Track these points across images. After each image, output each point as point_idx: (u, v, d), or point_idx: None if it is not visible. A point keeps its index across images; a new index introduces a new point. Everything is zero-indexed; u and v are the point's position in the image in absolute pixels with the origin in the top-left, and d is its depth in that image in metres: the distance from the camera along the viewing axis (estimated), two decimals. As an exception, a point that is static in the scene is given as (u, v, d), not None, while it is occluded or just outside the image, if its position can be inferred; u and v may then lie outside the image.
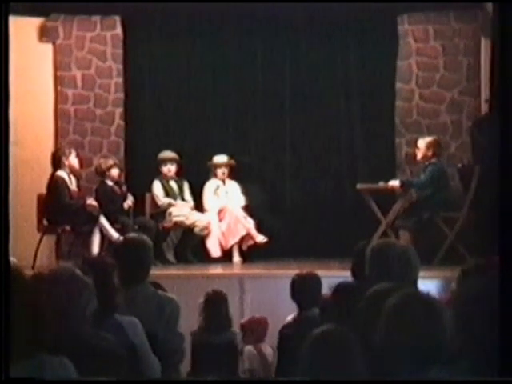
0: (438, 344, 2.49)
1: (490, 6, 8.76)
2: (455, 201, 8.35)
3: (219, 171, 9.03)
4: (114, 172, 8.74)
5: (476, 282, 2.37)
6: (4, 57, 3.80)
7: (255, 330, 5.83)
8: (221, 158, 9.06)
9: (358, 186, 8.64)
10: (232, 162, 9.08)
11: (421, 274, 4.08)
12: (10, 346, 2.62)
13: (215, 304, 5.30)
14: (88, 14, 9.20)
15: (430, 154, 8.42)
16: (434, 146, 8.46)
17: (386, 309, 2.66)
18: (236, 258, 8.77)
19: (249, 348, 5.74)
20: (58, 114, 9.23)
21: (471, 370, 2.22)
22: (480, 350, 2.22)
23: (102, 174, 8.75)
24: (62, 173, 8.40)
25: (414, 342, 2.55)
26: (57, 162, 8.44)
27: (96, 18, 9.24)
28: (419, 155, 8.47)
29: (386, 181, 8.54)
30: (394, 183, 8.49)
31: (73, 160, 8.49)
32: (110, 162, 8.83)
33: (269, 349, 5.70)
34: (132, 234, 5.13)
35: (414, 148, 8.89)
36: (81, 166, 8.68)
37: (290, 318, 4.99)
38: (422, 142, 8.48)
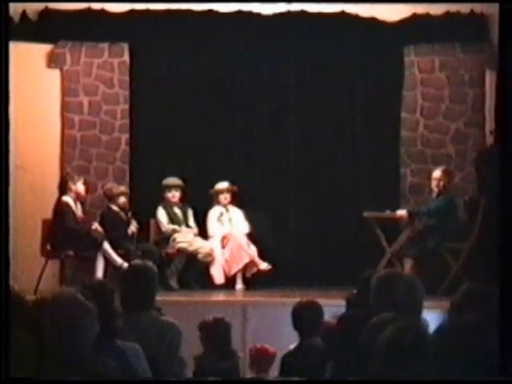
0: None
1: (495, 37, 8.80)
2: (461, 232, 8.32)
3: (221, 197, 9.04)
4: (122, 200, 8.75)
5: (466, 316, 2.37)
6: (4, 59, 3.86)
7: (261, 359, 5.78)
8: (222, 184, 9.08)
9: (365, 213, 8.63)
10: (234, 187, 9.10)
11: (424, 304, 4.07)
12: (10, 346, 2.62)
13: (218, 331, 5.27)
14: (96, 40, 9.27)
15: (448, 184, 8.38)
16: (449, 176, 8.44)
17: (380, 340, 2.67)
18: (239, 285, 8.75)
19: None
20: (64, 140, 9.26)
21: None
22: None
23: (111, 198, 8.76)
24: (67, 198, 8.42)
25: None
26: (63, 187, 8.47)
27: (104, 45, 9.30)
28: (440, 186, 8.35)
29: (391, 210, 8.54)
30: (402, 212, 8.47)
31: (79, 187, 8.51)
32: (122, 189, 8.86)
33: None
34: (137, 261, 5.13)
35: (421, 178, 8.88)
36: (86, 192, 8.69)
37: (292, 346, 4.96)
38: (439, 173, 8.42)
